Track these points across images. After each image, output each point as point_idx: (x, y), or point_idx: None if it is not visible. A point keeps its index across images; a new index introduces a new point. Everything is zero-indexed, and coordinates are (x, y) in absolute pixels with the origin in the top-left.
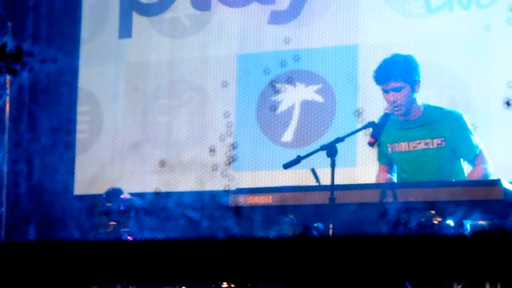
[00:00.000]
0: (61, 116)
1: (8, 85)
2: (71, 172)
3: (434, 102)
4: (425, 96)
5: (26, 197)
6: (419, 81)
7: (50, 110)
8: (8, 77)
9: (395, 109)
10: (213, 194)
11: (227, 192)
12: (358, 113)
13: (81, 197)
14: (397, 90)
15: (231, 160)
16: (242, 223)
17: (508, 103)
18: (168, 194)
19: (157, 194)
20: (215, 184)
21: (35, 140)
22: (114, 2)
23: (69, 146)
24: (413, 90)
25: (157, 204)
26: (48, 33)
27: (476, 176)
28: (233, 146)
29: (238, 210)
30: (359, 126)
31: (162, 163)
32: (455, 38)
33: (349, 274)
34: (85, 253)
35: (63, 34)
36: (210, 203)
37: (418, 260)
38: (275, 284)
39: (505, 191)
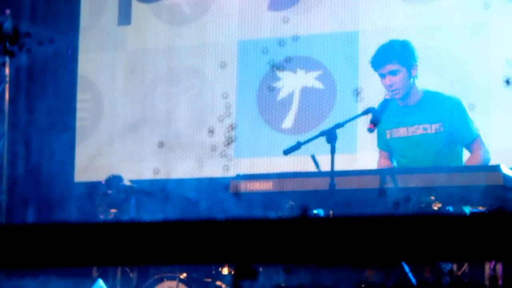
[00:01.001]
0: (60, 99)
1: (7, 73)
2: (70, 155)
3: (434, 86)
4: (425, 81)
5: (25, 180)
6: (416, 65)
7: (48, 92)
8: (7, 64)
9: (394, 92)
10: (212, 179)
11: (227, 179)
12: (357, 94)
13: (81, 184)
14: (394, 73)
15: (230, 141)
16: (242, 209)
17: (508, 82)
18: (167, 180)
19: (156, 180)
20: (214, 164)
21: (33, 123)
22: None
23: (69, 130)
24: (410, 74)
25: (156, 187)
26: (46, 14)
27: (475, 162)
28: (232, 127)
29: (238, 196)
30: (359, 111)
31: (161, 144)
32: (455, 22)
33: (347, 254)
34: (84, 234)
35: (61, 16)
36: (210, 186)
37: (416, 240)
38: (275, 266)
39: (505, 176)
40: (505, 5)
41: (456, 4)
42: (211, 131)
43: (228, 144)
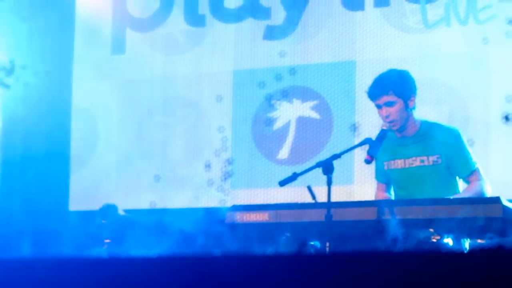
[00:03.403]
0: (55, 130)
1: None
2: (65, 187)
3: (432, 118)
4: (423, 112)
5: (20, 213)
6: (414, 96)
7: (44, 124)
8: None
9: (390, 124)
10: (209, 211)
11: (223, 209)
12: (354, 127)
13: (76, 213)
14: (390, 104)
15: (227, 176)
16: (239, 241)
17: (507, 118)
18: (163, 211)
19: (152, 210)
20: (210, 199)
21: (28, 156)
22: (107, 17)
23: (64, 159)
24: (406, 105)
25: (152, 220)
26: (41, 46)
27: (470, 193)
28: (229, 162)
29: (234, 227)
30: (356, 142)
31: (157, 178)
32: (453, 53)
33: None
34: (79, 269)
35: (59, 45)
36: (206, 219)
37: (414, 278)
38: None
39: (505, 208)
40: (504, 41)
41: (454, 37)
42: (207, 166)
43: (225, 179)
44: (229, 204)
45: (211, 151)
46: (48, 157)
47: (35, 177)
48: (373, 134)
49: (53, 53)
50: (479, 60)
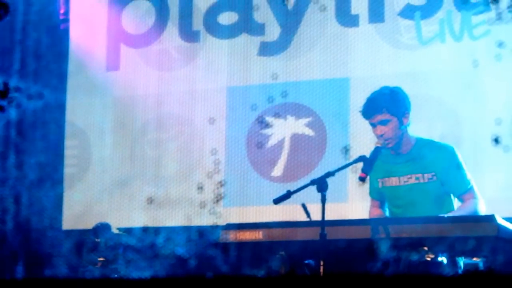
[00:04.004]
0: (49, 151)
1: None
2: (58, 208)
3: (425, 134)
4: (416, 128)
5: (13, 234)
6: (408, 113)
7: (37, 146)
8: None
9: (385, 142)
10: (201, 231)
11: (216, 228)
12: (345, 150)
13: (69, 232)
14: (384, 123)
15: (219, 198)
16: (232, 260)
17: (496, 140)
18: (156, 230)
19: (145, 230)
20: (202, 222)
21: (22, 177)
22: (101, 34)
23: (57, 181)
24: (401, 123)
25: (145, 241)
26: (35, 68)
27: (465, 211)
28: (221, 184)
29: (227, 246)
30: (350, 160)
31: (150, 200)
32: (447, 70)
33: None
34: None
35: (52, 68)
36: (199, 239)
37: None
38: None
39: (499, 227)
40: (494, 64)
41: (449, 53)
42: (200, 188)
43: (217, 201)
44: (222, 220)
45: (204, 173)
46: (41, 178)
47: (28, 197)
48: (367, 152)
49: (47, 72)
50: (470, 81)
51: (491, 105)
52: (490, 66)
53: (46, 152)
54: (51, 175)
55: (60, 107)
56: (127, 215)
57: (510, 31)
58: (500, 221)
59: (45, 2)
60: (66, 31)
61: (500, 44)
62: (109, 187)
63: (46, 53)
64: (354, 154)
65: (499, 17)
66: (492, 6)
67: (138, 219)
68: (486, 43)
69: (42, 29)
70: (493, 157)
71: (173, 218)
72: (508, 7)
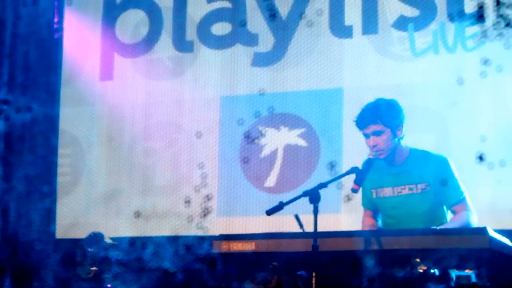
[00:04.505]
0: (37, 164)
1: None
2: (48, 220)
3: (419, 145)
4: (410, 139)
5: (1, 247)
6: (402, 126)
7: (25, 158)
8: None
9: (377, 153)
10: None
11: (210, 238)
12: (331, 166)
13: (60, 243)
14: (377, 134)
15: (206, 212)
16: (224, 270)
17: (481, 158)
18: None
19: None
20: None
21: (10, 189)
22: (95, 43)
23: (46, 193)
24: (394, 135)
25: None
26: (23, 81)
27: (457, 223)
28: (208, 198)
29: (220, 257)
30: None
31: (137, 214)
32: (441, 81)
33: None
34: None
35: (41, 81)
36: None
37: None
38: None
39: (491, 239)
40: (479, 81)
41: (439, 69)
42: (187, 201)
43: (205, 215)
44: (214, 230)
45: (191, 186)
46: (29, 188)
47: (16, 210)
48: (359, 163)
49: (37, 85)
50: (455, 98)
51: (476, 122)
52: (475, 83)
53: (34, 164)
54: (40, 188)
55: (49, 120)
56: (113, 228)
57: (495, 48)
58: (492, 233)
59: (33, 15)
60: (56, 43)
61: (486, 62)
62: (100, 198)
63: (35, 66)
64: (346, 166)
65: (484, 34)
66: (478, 24)
67: (124, 233)
68: (474, 58)
69: (30, 42)
70: (477, 174)
71: (161, 232)
72: (493, 25)
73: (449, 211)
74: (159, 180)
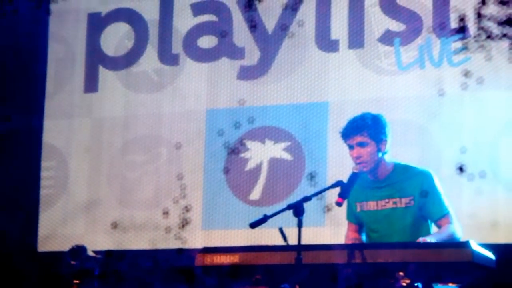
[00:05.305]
0: (16, 175)
1: None
2: (32, 232)
3: (404, 159)
4: (394, 153)
5: None
6: (386, 140)
7: (12, 160)
8: None
9: (361, 165)
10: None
11: (193, 251)
12: (311, 177)
13: (44, 254)
14: (362, 145)
15: (184, 223)
16: (208, 283)
17: (461, 169)
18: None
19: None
20: (168, 247)
21: None
22: (80, 55)
23: (26, 205)
24: (378, 149)
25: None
26: (11, 91)
27: (441, 236)
28: (187, 209)
29: (204, 270)
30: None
31: (115, 225)
32: (426, 95)
33: None
34: None
35: (17, 93)
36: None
37: None
38: None
39: (474, 253)
40: (460, 93)
41: (423, 83)
42: (165, 213)
43: (183, 226)
44: (198, 243)
45: (170, 198)
46: (8, 200)
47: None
48: (345, 177)
49: (22, 96)
50: (436, 110)
51: (456, 134)
52: (456, 95)
53: (12, 176)
54: (19, 200)
55: (31, 132)
56: (92, 239)
57: (476, 60)
58: (475, 247)
59: (12, 25)
60: (39, 54)
61: (466, 74)
62: (80, 210)
63: (14, 77)
64: (331, 180)
65: (465, 46)
66: (458, 36)
67: (102, 244)
68: (455, 70)
69: (9, 53)
70: (457, 185)
71: (138, 243)
72: (474, 37)
73: (434, 225)
74: (141, 192)
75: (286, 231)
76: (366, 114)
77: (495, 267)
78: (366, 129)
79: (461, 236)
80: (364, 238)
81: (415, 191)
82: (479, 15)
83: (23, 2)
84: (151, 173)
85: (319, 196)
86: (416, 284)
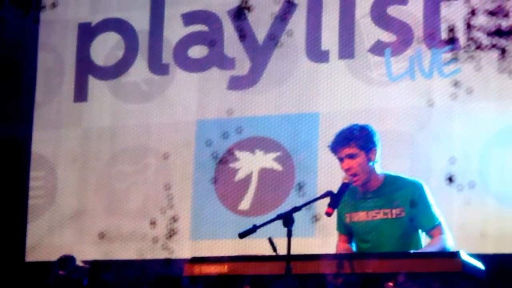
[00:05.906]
0: (12, 183)
1: None
2: (20, 242)
3: (394, 170)
4: (384, 165)
5: None
6: (375, 150)
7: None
8: None
9: (354, 179)
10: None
11: (181, 261)
12: (299, 187)
13: (32, 264)
14: (351, 157)
15: (172, 233)
16: None
17: (450, 179)
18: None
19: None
20: (156, 257)
21: None
22: (69, 65)
23: (18, 215)
24: (368, 159)
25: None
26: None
27: (433, 247)
28: (174, 219)
29: (192, 280)
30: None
31: (102, 235)
32: (416, 105)
33: None
34: None
35: (14, 101)
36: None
37: None
38: None
39: (464, 263)
40: (449, 104)
41: (412, 94)
42: (153, 223)
43: (170, 236)
44: (186, 253)
45: (158, 208)
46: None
47: None
48: (335, 187)
49: (12, 104)
50: (425, 120)
51: (445, 144)
52: (445, 105)
53: (0, 186)
54: (7, 209)
55: (17, 141)
56: (77, 249)
57: (465, 70)
58: (465, 257)
59: (0, 33)
60: (28, 63)
61: (456, 84)
62: (69, 220)
63: (2, 86)
64: (321, 190)
65: (455, 57)
66: (448, 47)
67: (88, 254)
68: (445, 81)
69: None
70: (446, 195)
71: (125, 254)
72: (464, 47)
73: (425, 236)
74: (129, 203)
75: (276, 241)
76: (353, 126)
77: (485, 277)
78: (353, 139)
79: (453, 245)
80: (354, 249)
81: (405, 202)
82: (469, 26)
83: (10, 10)
84: (139, 183)
85: (309, 206)
86: None
